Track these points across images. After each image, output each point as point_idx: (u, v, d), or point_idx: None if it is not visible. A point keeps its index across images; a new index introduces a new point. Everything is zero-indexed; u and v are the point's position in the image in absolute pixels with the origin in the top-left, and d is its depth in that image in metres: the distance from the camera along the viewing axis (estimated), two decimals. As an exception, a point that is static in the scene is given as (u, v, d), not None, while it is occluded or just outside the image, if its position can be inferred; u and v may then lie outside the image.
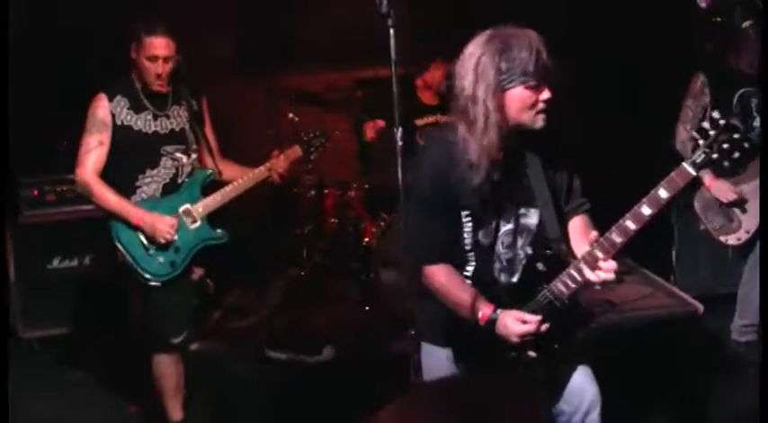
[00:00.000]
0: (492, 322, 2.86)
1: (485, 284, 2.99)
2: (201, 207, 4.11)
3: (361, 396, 4.57)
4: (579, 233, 3.06)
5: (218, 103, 4.58)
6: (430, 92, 6.24)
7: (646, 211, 2.73)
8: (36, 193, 5.94)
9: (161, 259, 3.96)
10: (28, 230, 5.89)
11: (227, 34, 7.52)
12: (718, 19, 4.88)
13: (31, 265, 5.88)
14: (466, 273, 3.03)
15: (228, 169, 4.30)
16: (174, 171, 4.06)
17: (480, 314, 2.87)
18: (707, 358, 4.89)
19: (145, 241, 3.94)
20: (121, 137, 3.94)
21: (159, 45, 3.90)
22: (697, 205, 4.93)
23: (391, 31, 3.30)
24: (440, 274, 2.95)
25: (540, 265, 2.96)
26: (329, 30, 7.36)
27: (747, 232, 4.72)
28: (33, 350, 5.86)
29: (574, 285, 2.86)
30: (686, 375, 4.66)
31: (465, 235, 2.96)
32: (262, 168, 4.32)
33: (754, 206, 4.57)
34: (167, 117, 4.07)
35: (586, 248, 2.83)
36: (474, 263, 3.03)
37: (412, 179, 2.95)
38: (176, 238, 3.98)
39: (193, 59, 4.14)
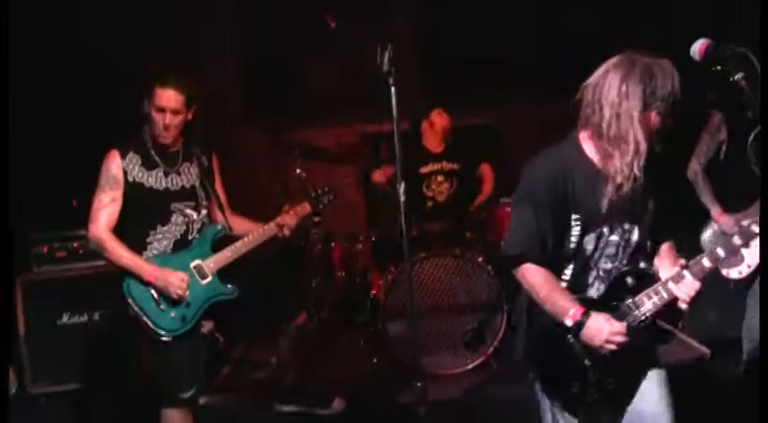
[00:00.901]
0: (580, 325, 2.99)
1: (578, 289, 3.13)
2: (212, 263, 4.14)
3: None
4: (666, 257, 3.22)
5: (226, 158, 4.65)
6: (435, 138, 6.32)
7: (737, 241, 3.03)
8: (46, 249, 5.99)
9: (172, 314, 3.98)
10: (38, 286, 5.93)
11: (235, 90, 7.64)
12: (719, 67, 4.95)
13: (41, 321, 5.90)
14: (564, 275, 3.15)
15: (239, 224, 4.34)
16: (184, 227, 4.10)
17: (572, 312, 3.00)
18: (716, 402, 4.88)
19: (156, 296, 3.96)
20: (133, 193, 3.99)
21: (168, 97, 3.97)
22: (704, 238, 5.01)
23: (392, 89, 3.40)
24: (536, 273, 3.07)
25: (629, 280, 3.11)
26: (335, 85, 7.48)
27: (749, 267, 4.76)
28: (41, 406, 5.87)
29: (659, 302, 3.03)
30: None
31: (572, 237, 3.07)
32: (272, 225, 4.36)
33: (756, 242, 4.63)
34: (178, 174, 4.12)
35: (675, 270, 3.03)
36: (573, 266, 3.14)
37: (525, 177, 3.13)
38: (188, 293, 4.01)
39: (202, 115, 4.21)
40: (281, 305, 4.73)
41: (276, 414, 5.06)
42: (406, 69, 7.11)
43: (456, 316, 5.66)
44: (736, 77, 3.01)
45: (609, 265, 3.15)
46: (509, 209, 5.72)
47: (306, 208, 4.55)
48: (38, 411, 5.79)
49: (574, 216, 3.06)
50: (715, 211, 4.94)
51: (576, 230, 3.07)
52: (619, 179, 2.97)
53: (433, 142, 6.36)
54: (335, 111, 7.39)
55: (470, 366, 5.59)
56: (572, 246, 3.09)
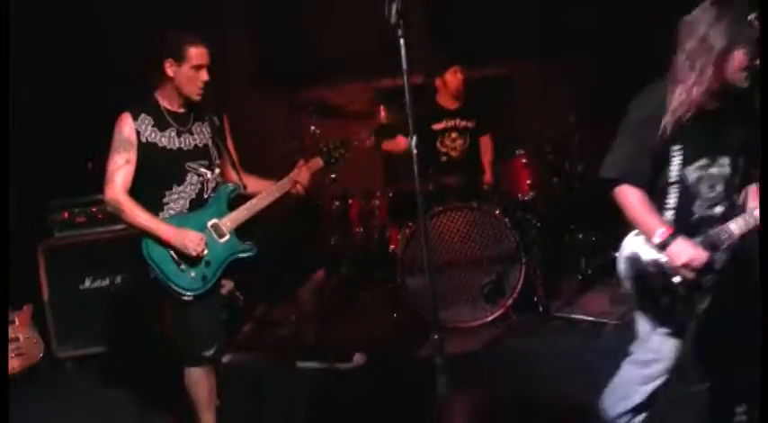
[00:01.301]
0: (665, 245, 3.21)
1: (682, 216, 3.34)
2: (229, 221, 4.17)
3: (391, 402, 4.61)
4: (754, 191, 3.39)
5: (242, 117, 4.65)
6: (448, 96, 6.27)
7: None
8: (66, 215, 6.07)
9: (192, 274, 4.00)
10: (60, 252, 6.02)
11: (249, 49, 7.62)
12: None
13: (64, 286, 5.99)
14: (667, 204, 3.36)
15: (252, 183, 4.36)
16: (199, 186, 4.12)
17: (660, 231, 3.22)
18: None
19: (176, 257, 3.98)
20: (147, 154, 4.01)
21: (203, 54, 4.02)
22: None
23: (401, 41, 3.37)
24: (633, 194, 3.31)
25: (721, 209, 3.34)
26: (348, 41, 7.43)
27: None
28: (66, 369, 5.97)
29: (745, 228, 3.24)
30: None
31: (672, 167, 3.30)
32: (285, 180, 4.39)
33: None
34: (191, 133, 4.14)
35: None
36: (676, 195, 3.35)
37: (630, 108, 3.34)
38: (206, 252, 4.03)
39: (216, 74, 4.20)
40: (300, 263, 4.71)
41: (299, 371, 5.07)
42: (418, 22, 7.09)
43: (474, 269, 5.67)
44: (749, 17, 3.05)
45: (710, 195, 3.33)
46: (524, 160, 5.79)
47: (318, 163, 4.56)
48: (64, 375, 5.88)
49: (675, 147, 3.26)
50: None
51: (677, 160, 3.29)
52: (674, 105, 3.19)
53: (446, 99, 6.31)
54: (349, 67, 7.36)
55: (490, 319, 5.61)
56: (674, 175, 3.30)
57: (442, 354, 3.38)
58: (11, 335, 5.73)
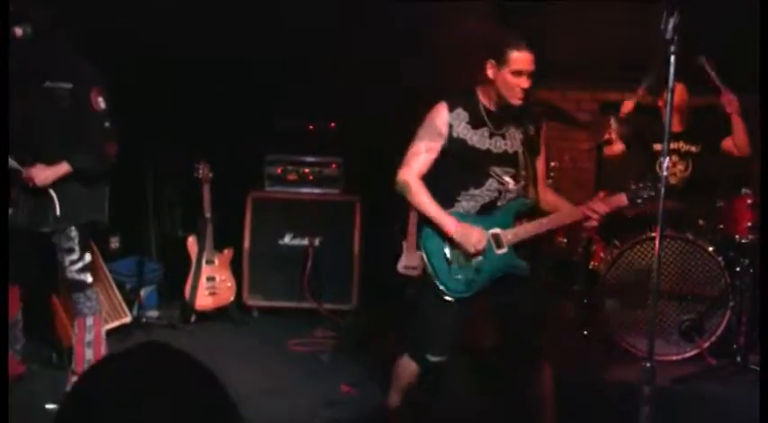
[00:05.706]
0: None
1: None
2: (511, 235, 3.98)
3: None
4: None
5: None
6: (674, 117, 6.03)
7: None
8: (279, 171, 6.24)
9: (459, 276, 3.90)
10: (267, 204, 6.25)
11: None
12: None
13: (265, 238, 6.22)
14: None
15: (548, 199, 4.18)
16: (496, 194, 3.98)
17: None
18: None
19: (449, 255, 3.91)
20: (454, 149, 3.92)
21: (528, 60, 3.84)
22: None
23: (672, 58, 3.25)
24: None
25: None
26: (582, 48, 7.27)
27: None
28: (253, 317, 6.17)
29: None
30: None
31: None
32: (582, 208, 4.10)
33: None
34: (503, 137, 3.99)
35: None
36: None
37: None
38: (481, 259, 3.93)
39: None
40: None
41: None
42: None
43: (676, 303, 5.47)
44: None
45: None
46: (749, 201, 5.50)
47: (622, 200, 4.20)
48: (248, 322, 6.10)
49: None
50: None
51: None
52: None
53: (672, 121, 6.08)
54: (579, 74, 7.20)
55: (683, 356, 5.40)
56: None
57: (652, 383, 3.28)
58: (209, 274, 5.98)
